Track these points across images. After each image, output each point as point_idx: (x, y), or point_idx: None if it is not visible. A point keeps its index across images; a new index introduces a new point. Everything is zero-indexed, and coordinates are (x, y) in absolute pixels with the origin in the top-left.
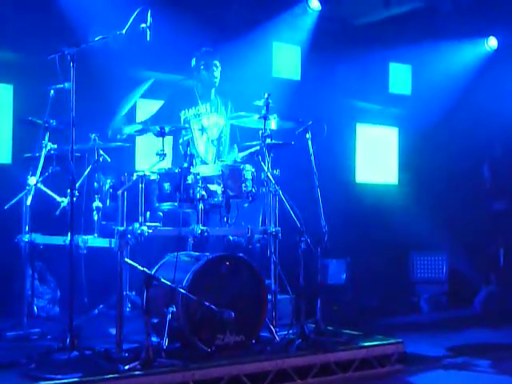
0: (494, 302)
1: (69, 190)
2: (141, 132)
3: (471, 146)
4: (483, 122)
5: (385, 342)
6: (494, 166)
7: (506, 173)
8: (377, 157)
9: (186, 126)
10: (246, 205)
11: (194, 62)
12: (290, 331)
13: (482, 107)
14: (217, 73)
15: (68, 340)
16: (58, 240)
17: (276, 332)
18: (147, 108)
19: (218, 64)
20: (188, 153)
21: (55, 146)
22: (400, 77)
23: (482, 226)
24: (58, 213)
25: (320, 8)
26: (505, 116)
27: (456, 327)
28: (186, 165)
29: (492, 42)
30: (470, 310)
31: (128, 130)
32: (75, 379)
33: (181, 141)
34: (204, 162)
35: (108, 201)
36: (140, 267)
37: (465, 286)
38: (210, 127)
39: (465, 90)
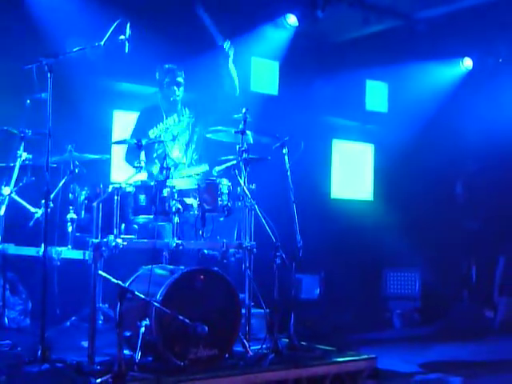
0: (466, 319)
1: (43, 201)
2: (119, 142)
3: (445, 163)
4: (457, 141)
5: (357, 358)
6: (467, 184)
7: (479, 190)
8: (352, 173)
9: (161, 139)
10: (222, 219)
11: (157, 75)
12: (264, 346)
13: (456, 126)
14: (179, 91)
15: (39, 352)
16: (31, 251)
17: (249, 346)
18: (124, 119)
19: (181, 81)
20: (164, 166)
21: (30, 156)
22: (377, 94)
23: (454, 242)
24: (31, 224)
25: (297, 24)
26: (479, 134)
27: (428, 343)
28: (162, 178)
29: (467, 63)
30: (441, 326)
31: None
32: None
33: (154, 155)
34: (177, 165)
35: (83, 212)
36: (114, 280)
37: (437, 302)
38: (181, 132)
39: (440, 109)
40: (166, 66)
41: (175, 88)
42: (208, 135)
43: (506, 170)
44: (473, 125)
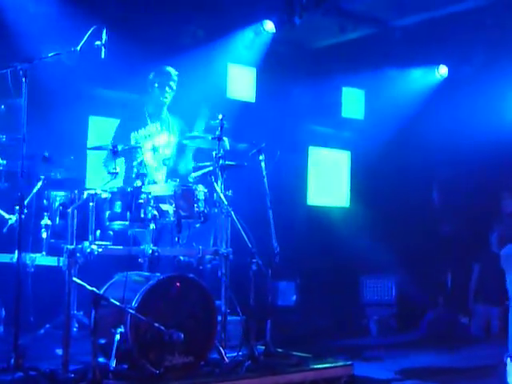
0: (441, 325)
1: (17, 207)
2: (96, 148)
3: (420, 170)
4: (433, 147)
5: (334, 365)
6: (442, 190)
7: (455, 197)
8: (328, 180)
9: (138, 145)
10: (198, 225)
11: (151, 75)
12: (240, 353)
13: (432, 133)
14: (169, 94)
15: (12, 360)
16: (4, 257)
17: (225, 353)
18: (99, 125)
19: (173, 86)
20: (140, 172)
21: (4, 161)
22: (353, 101)
23: (430, 249)
24: (5, 230)
25: (274, 31)
26: (453, 142)
27: (404, 350)
28: (138, 184)
29: (442, 71)
30: (418, 332)
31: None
32: None
33: (135, 163)
34: (154, 182)
35: (57, 219)
36: (88, 287)
37: (413, 308)
38: (161, 146)
39: (416, 116)
40: (164, 67)
41: (167, 89)
42: (185, 142)
43: (482, 176)
44: (448, 132)
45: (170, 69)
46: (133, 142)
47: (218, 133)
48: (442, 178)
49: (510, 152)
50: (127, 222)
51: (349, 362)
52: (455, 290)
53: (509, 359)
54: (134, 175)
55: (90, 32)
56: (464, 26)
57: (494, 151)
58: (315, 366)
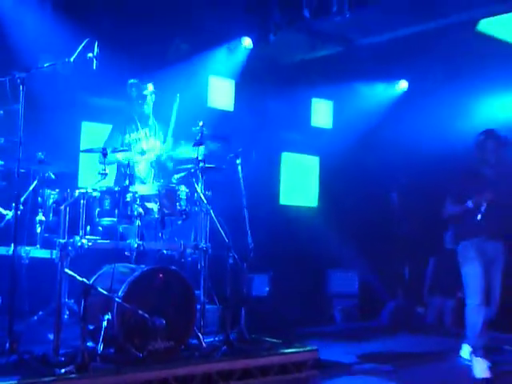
0: (399, 315)
1: (13, 204)
2: (88, 151)
3: (382, 175)
4: (393, 154)
5: (301, 350)
6: (401, 193)
7: (412, 199)
8: (299, 182)
9: (126, 148)
10: (180, 222)
11: (127, 89)
12: (216, 338)
13: (392, 141)
14: (145, 104)
15: (7, 344)
16: (1, 250)
17: (203, 339)
18: (91, 130)
19: (146, 94)
20: (128, 173)
21: (2, 162)
22: (322, 111)
23: (390, 246)
24: (2, 224)
25: (252, 46)
26: (411, 149)
27: (365, 336)
28: (125, 184)
29: (402, 85)
30: (378, 321)
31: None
32: (13, 382)
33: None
34: (143, 182)
35: (51, 215)
36: (79, 277)
37: (374, 299)
38: (148, 150)
39: (378, 126)
40: (130, 81)
41: (140, 101)
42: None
43: (436, 181)
44: (407, 140)
45: (133, 80)
46: (121, 144)
47: (198, 138)
48: (401, 182)
49: (462, 159)
50: (115, 219)
51: (315, 348)
52: (412, 283)
53: (473, 355)
54: (121, 176)
55: (82, 44)
56: (422, 46)
57: (448, 158)
58: (284, 351)
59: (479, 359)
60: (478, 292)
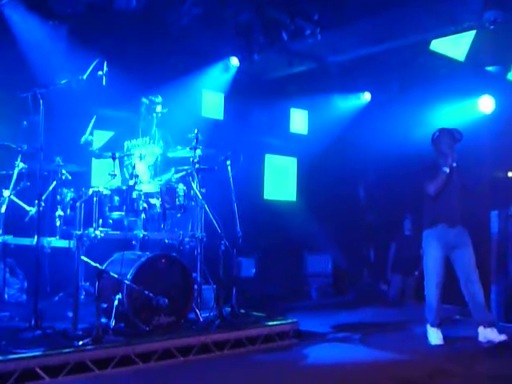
0: (366, 291)
1: (36, 201)
2: (97, 156)
3: (351, 172)
4: (360, 155)
5: (283, 322)
6: (367, 188)
7: (376, 193)
8: (280, 179)
9: (130, 153)
10: (179, 215)
11: (142, 99)
12: (211, 313)
13: (359, 144)
14: (154, 117)
15: (33, 321)
16: (26, 241)
17: (200, 314)
18: (100, 137)
19: (156, 109)
20: (134, 174)
21: (26, 165)
22: (299, 119)
23: (358, 233)
24: (27, 219)
25: (238, 64)
26: (375, 151)
27: (337, 310)
28: (132, 183)
29: (366, 96)
30: (348, 296)
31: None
32: (39, 353)
33: (126, 165)
34: (141, 182)
35: (68, 210)
36: (93, 263)
37: (344, 278)
38: (147, 155)
39: (346, 131)
40: (143, 99)
41: (149, 117)
42: (169, 154)
43: (396, 178)
44: (371, 143)
45: (151, 97)
46: (125, 149)
47: (193, 143)
48: (367, 179)
49: (415, 159)
50: (123, 213)
51: (295, 320)
52: (377, 264)
53: (428, 325)
54: (127, 176)
55: (93, 64)
56: (382, 62)
57: (405, 158)
58: (269, 323)
59: (434, 329)
60: (435, 273)
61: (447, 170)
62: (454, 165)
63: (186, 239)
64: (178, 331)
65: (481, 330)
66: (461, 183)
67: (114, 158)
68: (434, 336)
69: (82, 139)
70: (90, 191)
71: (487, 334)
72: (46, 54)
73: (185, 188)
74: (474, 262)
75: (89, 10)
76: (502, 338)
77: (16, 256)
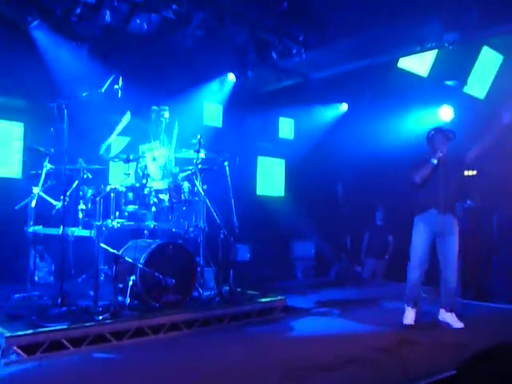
0: (344, 273)
1: (62, 197)
2: (113, 158)
3: (331, 172)
4: (338, 157)
5: (274, 299)
6: (344, 185)
7: (352, 189)
8: (270, 178)
9: (143, 155)
10: (184, 208)
11: (152, 109)
12: (212, 292)
13: (337, 147)
14: (161, 124)
15: (59, 299)
16: (53, 231)
17: (202, 293)
18: (119, 141)
19: (164, 117)
20: (145, 173)
21: (53, 166)
22: (286, 127)
23: (337, 223)
24: (53, 212)
25: (235, 80)
26: (351, 153)
27: (320, 289)
28: (144, 181)
29: (344, 107)
30: (328, 277)
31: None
32: (64, 326)
33: (140, 165)
34: (154, 180)
35: (89, 204)
36: (111, 249)
37: (325, 261)
38: (158, 157)
39: (327, 136)
40: (153, 107)
41: (158, 123)
42: (175, 155)
43: (370, 176)
44: (347, 147)
45: (160, 107)
46: (140, 152)
47: (197, 147)
48: (344, 177)
49: (386, 160)
50: (137, 206)
51: (283, 297)
52: (353, 249)
53: (405, 305)
54: (140, 175)
55: (110, 79)
56: (357, 77)
57: (377, 159)
58: (261, 300)
59: (409, 309)
60: (419, 257)
61: (435, 162)
62: (441, 154)
63: (191, 229)
64: (183, 307)
65: (442, 311)
66: (450, 175)
67: (127, 161)
68: (408, 316)
69: (102, 149)
70: (108, 188)
71: (447, 318)
72: (70, 70)
73: (189, 185)
74: (456, 250)
75: (106, 32)
76: (459, 325)
77: (45, 244)
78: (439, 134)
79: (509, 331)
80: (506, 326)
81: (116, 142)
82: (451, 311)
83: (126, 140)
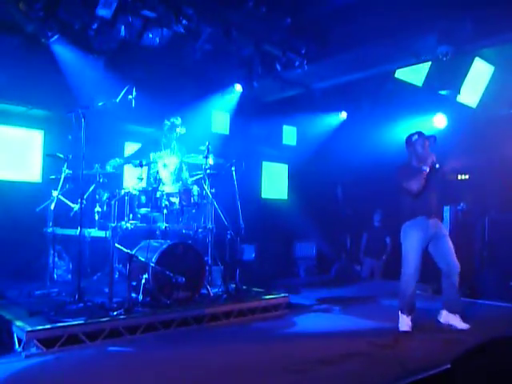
0: (344, 271)
1: (79, 200)
2: (125, 162)
3: (331, 176)
4: (338, 162)
5: (277, 296)
6: (344, 188)
7: (351, 192)
8: (274, 181)
9: (154, 161)
10: (194, 211)
11: (165, 121)
12: (220, 289)
13: (337, 153)
14: (174, 134)
15: (76, 296)
16: (71, 231)
17: (211, 290)
18: (131, 148)
19: (177, 129)
20: (157, 178)
21: (71, 171)
22: (289, 134)
23: (337, 224)
24: (71, 214)
25: (241, 90)
26: (351, 158)
27: (320, 286)
28: (155, 185)
29: (343, 115)
30: (329, 275)
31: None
32: (81, 321)
33: (151, 171)
34: (165, 184)
35: (105, 207)
36: (125, 249)
37: (326, 261)
38: (169, 164)
39: (327, 143)
40: (172, 119)
41: (171, 135)
42: (185, 160)
43: (368, 180)
44: (347, 153)
45: (173, 119)
46: (151, 159)
47: (205, 153)
48: (344, 180)
49: (383, 165)
50: (149, 209)
51: (286, 294)
52: (352, 249)
53: (399, 312)
54: (152, 180)
55: (124, 90)
56: (356, 87)
57: (374, 164)
58: (266, 297)
59: (404, 316)
60: (413, 264)
61: (427, 169)
62: (437, 166)
63: (200, 230)
64: (192, 303)
65: (445, 313)
66: (438, 181)
67: (140, 166)
68: (404, 323)
69: (115, 164)
70: (122, 192)
71: (450, 319)
72: (87, 81)
73: (198, 189)
74: (453, 252)
75: (121, 46)
76: (465, 326)
77: (63, 243)
78: (422, 138)
79: (502, 327)
80: (498, 323)
81: (128, 147)
82: (455, 313)
83: (137, 146)
